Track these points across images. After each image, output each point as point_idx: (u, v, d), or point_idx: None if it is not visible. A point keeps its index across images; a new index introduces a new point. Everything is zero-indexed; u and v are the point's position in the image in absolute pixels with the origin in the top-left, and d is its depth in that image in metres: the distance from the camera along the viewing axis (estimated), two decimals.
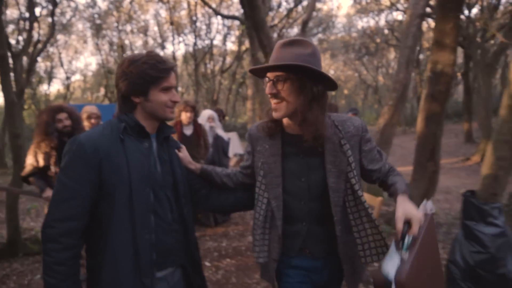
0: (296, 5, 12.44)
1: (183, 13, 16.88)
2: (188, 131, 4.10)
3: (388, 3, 14.73)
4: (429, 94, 3.27)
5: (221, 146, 4.75)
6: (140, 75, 1.18)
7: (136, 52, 18.86)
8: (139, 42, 20.96)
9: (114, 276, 1.14)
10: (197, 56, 15.69)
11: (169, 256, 1.25)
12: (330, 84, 1.24)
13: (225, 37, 15.96)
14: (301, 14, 13.33)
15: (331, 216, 1.27)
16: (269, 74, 1.23)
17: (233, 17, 7.61)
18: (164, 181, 1.26)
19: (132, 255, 1.14)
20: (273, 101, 1.23)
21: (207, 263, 3.61)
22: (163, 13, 17.51)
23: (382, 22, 19.39)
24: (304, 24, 7.11)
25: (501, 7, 11.19)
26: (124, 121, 1.22)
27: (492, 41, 10.73)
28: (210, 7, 7.83)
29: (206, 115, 4.67)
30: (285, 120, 1.30)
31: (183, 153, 1.43)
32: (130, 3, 15.75)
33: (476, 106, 11.50)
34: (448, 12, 2.97)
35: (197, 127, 4.14)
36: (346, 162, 1.25)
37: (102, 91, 21.36)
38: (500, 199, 2.44)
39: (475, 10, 11.76)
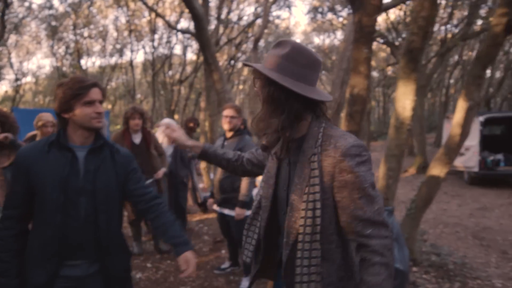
0: (253, 21, 13.02)
1: (144, 20, 16.89)
2: (137, 139, 3.92)
3: (340, 25, 15.83)
4: (348, 114, 3.81)
5: (180, 155, 4.67)
6: (64, 95, 1.45)
7: (93, 56, 18.24)
8: (97, 47, 20.57)
9: (29, 255, 1.47)
10: (156, 65, 15.73)
11: (78, 250, 1.48)
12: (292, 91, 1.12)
13: (185, 47, 16.17)
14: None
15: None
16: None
17: (187, 32, 7.91)
18: (82, 188, 1.48)
19: (39, 243, 1.46)
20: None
21: (149, 265, 3.84)
22: (123, 19, 17.40)
23: (336, 41, 20.62)
24: (256, 42, 7.59)
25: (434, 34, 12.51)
26: (54, 136, 1.51)
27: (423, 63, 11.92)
28: (165, 21, 8.08)
29: (163, 123, 4.72)
30: None
31: (178, 133, 1.59)
32: (89, 7, 15.51)
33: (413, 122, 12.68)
34: (361, 46, 3.53)
35: (146, 135, 3.95)
36: (307, 183, 1.09)
37: None
38: (391, 203, 2.96)
39: None
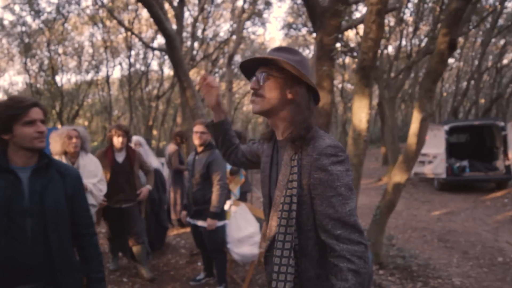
0: (227, 38, 13.30)
1: (120, 37, 16.93)
2: (120, 157, 3.78)
3: (313, 40, 16.40)
4: None
5: (160, 181, 4.53)
6: (1, 116, 1.42)
7: (69, 73, 17.92)
8: (72, 63, 20.34)
9: None
10: (132, 81, 15.74)
11: (29, 273, 1.43)
12: (314, 92, 1.23)
13: (162, 63, 16.29)
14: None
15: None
16: (256, 72, 1.25)
17: (162, 50, 8.06)
18: (28, 209, 1.44)
19: None
20: (252, 96, 1.25)
21: (125, 279, 3.87)
22: (99, 36, 17.37)
23: (310, 55, 21.22)
24: (230, 58, 7.81)
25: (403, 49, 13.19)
26: None
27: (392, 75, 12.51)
28: (140, 39, 8.21)
29: (133, 141, 4.39)
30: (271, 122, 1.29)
31: (215, 91, 1.47)
32: (63, 24, 15.44)
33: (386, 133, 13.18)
34: (323, 63, 3.79)
35: (130, 153, 3.83)
36: (288, 179, 1.16)
37: None
38: None
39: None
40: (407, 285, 3.46)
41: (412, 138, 3.61)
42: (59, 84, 17.14)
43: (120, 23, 8.25)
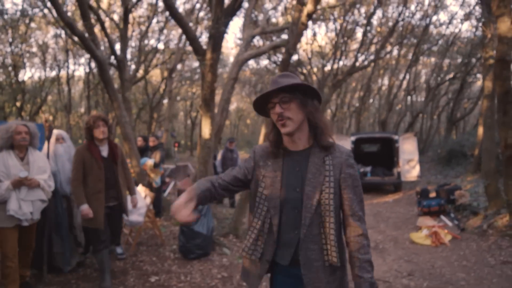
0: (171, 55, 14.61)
1: None
2: (104, 152, 3.49)
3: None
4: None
5: None
6: None
7: (32, 69, 18.31)
8: (36, 60, 20.88)
9: None
10: (93, 82, 16.67)
11: None
12: (319, 99, 1.49)
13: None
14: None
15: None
16: (273, 100, 1.43)
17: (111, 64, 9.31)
18: None
19: None
20: (280, 120, 1.41)
21: None
22: (64, 35, 18.10)
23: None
24: (171, 72, 9.11)
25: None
26: None
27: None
28: (92, 54, 9.30)
29: (53, 135, 3.88)
30: (286, 138, 1.48)
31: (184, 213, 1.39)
32: (27, 24, 16.16)
33: None
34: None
35: (113, 147, 3.55)
36: (324, 176, 1.41)
37: None
38: None
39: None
40: None
41: None
42: (21, 80, 17.77)
43: (71, 37, 9.22)
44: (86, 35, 6.15)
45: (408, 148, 10.28)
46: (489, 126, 7.28)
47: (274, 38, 10.37)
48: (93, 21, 7.59)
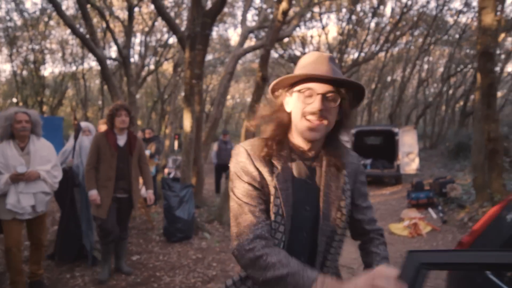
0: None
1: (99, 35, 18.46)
2: (121, 141, 3.44)
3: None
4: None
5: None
6: None
7: (54, 64, 19.14)
8: (57, 55, 21.86)
9: None
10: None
11: None
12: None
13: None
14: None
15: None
16: (314, 87, 1.05)
17: (114, 59, 9.69)
18: None
19: None
20: (314, 120, 1.06)
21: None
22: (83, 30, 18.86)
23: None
24: (175, 66, 9.48)
25: None
26: None
27: None
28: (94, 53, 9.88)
29: (82, 127, 4.01)
30: (299, 140, 1.13)
31: None
32: (46, 22, 16.97)
33: None
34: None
35: (132, 138, 3.47)
36: (342, 188, 1.14)
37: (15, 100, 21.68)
38: (188, 180, 4.97)
39: None
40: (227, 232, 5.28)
41: (242, 138, 5.43)
42: (43, 75, 18.73)
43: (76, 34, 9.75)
44: (88, 36, 6.62)
45: (407, 141, 10.30)
46: (479, 119, 7.27)
47: None
48: (97, 19, 8.03)
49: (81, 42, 6.30)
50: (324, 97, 1.05)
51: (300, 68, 1.12)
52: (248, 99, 35.86)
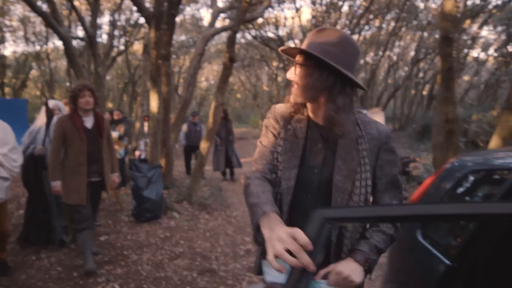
0: None
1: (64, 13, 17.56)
2: (89, 123, 3.26)
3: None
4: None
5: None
6: None
7: (15, 43, 18.19)
8: (20, 33, 20.67)
9: None
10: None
11: None
12: (350, 80, 1.12)
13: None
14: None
15: None
16: (298, 58, 1.17)
17: (81, 39, 9.33)
18: None
19: None
20: (292, 87, 1.18)
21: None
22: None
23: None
24: (145, 47, 9.16)
25: None
26: None
27: None
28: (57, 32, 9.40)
29: (50, 105, 3.76)
30: (310, 106, 1.21)
31: None
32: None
33: None
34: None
35: (99, 119, 3.30)
36: (358, 161, 1.14)
37: None
38: (156, 161, 4.99)
39: None
40: (199, 213, 5.38)
41: (210, 118, 5.48)
42: (3, 54, 17.69)
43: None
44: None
45: None
46: (439, 102, 7.63)
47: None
48: None
49: (42, 20, 6.01)
50: (294, 66, 1.16)
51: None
52: None
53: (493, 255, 1.41)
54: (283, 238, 0.84)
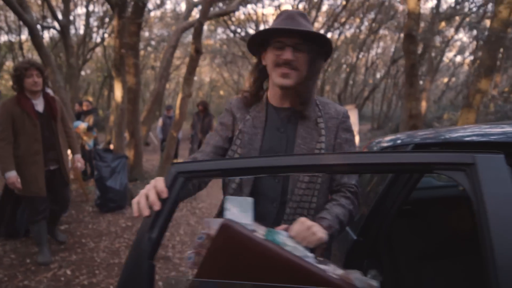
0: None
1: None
2: (39, 106, 2.94)
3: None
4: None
5: None
6: None
7: None
8: None
9: None
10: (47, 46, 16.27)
11: None
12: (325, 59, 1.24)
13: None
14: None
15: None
16: (284, 39, 1.14)
17: (53, 27, 9.13)
18: None
19: None
20: (284, 69, 1.14)
21: None
22: None
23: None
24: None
25: None
26: None
27: None
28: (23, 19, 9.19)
29: None
30: (275, 92, 1.22)
31: None
32: None
33: None
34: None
35: (50, 101, 2.98)
36: (316, 140, 1.17)
37: None
38: (121, 151, 4.98)
39: None
40: None
41: (177, 110, 5.50)
42: None
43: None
44: None
45: None
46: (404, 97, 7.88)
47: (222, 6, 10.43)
48: None
49: (5, 4, 5.85)
50: (293, 48, 1.14)
51: (273, 25, 1.18)
52: (201, 75, 35.40)
53: (392, 230, 1.51)
54: (148, 186, 0.91)
